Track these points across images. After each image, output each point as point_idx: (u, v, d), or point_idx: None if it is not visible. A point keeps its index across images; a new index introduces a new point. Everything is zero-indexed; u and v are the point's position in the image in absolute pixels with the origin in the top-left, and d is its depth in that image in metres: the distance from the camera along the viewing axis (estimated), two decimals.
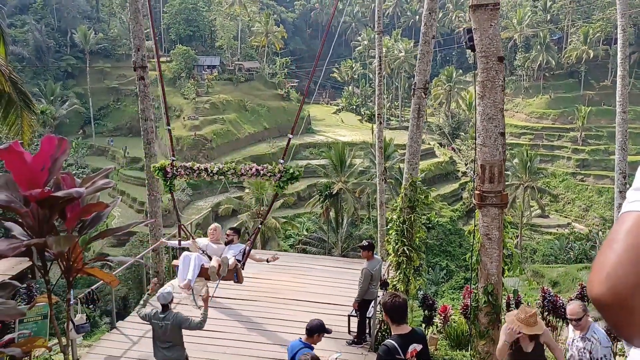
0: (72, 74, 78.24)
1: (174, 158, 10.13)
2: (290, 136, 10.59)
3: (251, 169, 9.79)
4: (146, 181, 14.06)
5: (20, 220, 2.82)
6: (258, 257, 10.76)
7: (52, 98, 66.58)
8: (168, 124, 10.94)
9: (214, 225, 10.72)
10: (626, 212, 1.14)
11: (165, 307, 7.36)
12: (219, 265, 9.37)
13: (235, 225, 10.70)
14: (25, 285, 8.63)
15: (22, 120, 11.73)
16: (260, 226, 11.12)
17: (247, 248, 9.89)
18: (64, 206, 2.85)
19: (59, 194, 2.71)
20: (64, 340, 3.43)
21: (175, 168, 9.90)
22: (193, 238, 10.50)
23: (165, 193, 10.87)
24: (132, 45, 13.42)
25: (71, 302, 8.79)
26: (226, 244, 10.16)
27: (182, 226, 10.52)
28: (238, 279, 9.75)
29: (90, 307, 9.82)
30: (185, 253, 9.83)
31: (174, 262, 10.31)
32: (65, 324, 3.30)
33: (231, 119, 66.32)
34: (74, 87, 75.39)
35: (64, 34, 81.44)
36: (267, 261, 10.34)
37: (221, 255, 9.78)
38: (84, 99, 71.38)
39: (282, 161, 9.80)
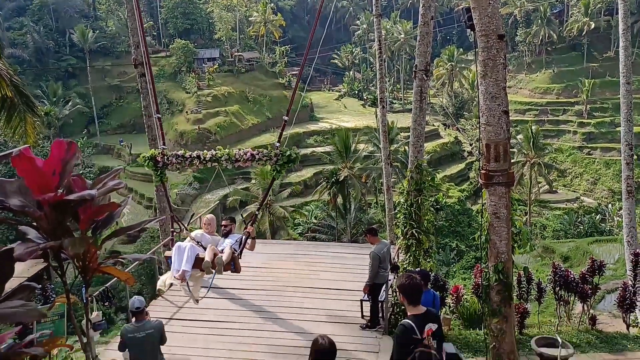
0: (73, 74, 78.33)
1: (164, 147, 9.80)
2: (285, 118, 10.25)
3: (246, 154, 9.52)
4: (153, 177, 14.15)
5: (34, 224, 2.88)
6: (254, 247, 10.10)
7: (54, 99, 66.76)
8: (157, 112, 10.43)
9: (209, 216, 10.28)
10: None
11: (140, 316, 7.01)
12: (214, 260, 8.93)
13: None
14: (40, 286, 8.76)
15: (26, 123, 11.81)
16: (257, 212, 10.55)
17: (244, 237, 9.47)
18: (76, 208, 2.91)
19: (72, 197, 2.75)
20: (84, 338, 3.51)
21: (165, 157, 9.61)
22: (186, 229, 10.13)
23: (155, 182, 10.56)
24: (132, 42, 13.44)
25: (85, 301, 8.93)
26: (224, 235, 9.80)
27: (175, 216, 10.13)
28: (235, 269, 9.33)
29: (105, 304, 9.93)
30: (178, 243, 9.42)
31: (167, 253, 9.86)
32: (84, 322, 3.37)
33: (234, 110, 66.32)
34: (76, 87, 75.50)
35: (63, 34, 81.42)
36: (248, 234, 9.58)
37: (217, 245, 9.46)
38: (87, 98, 71.47)
39: (277, 144, 9.56)
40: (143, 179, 53.14)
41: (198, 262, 9.06)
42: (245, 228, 9.69)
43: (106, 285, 10.08)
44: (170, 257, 9.25)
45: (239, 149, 9.80)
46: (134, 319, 7.02)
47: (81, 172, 50.55)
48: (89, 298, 9.08)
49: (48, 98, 66.56)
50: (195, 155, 9.58)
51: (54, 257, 2.98)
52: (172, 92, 70.27)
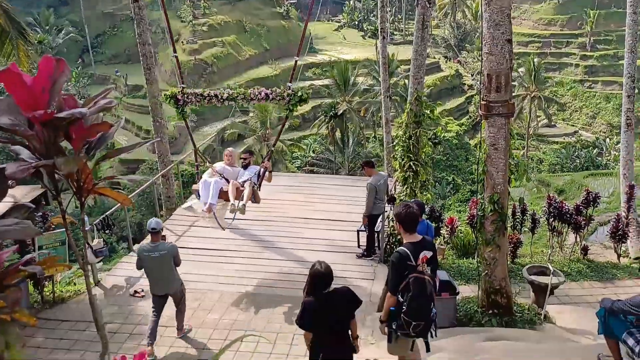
0: (65, 1, 75.75)
1: (183, 85, 10.24)
2: (297, 58, 10.48)
3: (260, 93, 9.96)
4: (150, 108, 14.02)
5: (26, 143, 2.84)
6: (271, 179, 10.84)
7: (47, 27, 64.91)
8: (174, 51, 10.86)
9: (229, 149, 11.01)
10: None
11: (156, 237, 7.31)
12: (236, 194, 9.68)
13: (242, 149, 10.88)
14: (41, 213, 8.86)
15: (19, 50, 11.56)
16: (272, 149, 11.42)
17: (262, 170, 10.18)
18: (68, 127, 2.86)
19: (62, 114, 2.70)
20: (82, 260, 3.56)
21: (185, 95, 10.03)
22: (209, 162, 10.95)
23: (177, 119, 10.96)
24: None
25: (87, 228, 9.07)
26: (244, 167, 10.39)
27: (197, 150, 11.11)
28: (255, 200, 10.00)
29: (106, 232, 10.09)
30: (204, 179, 10.08)
31: (194, 186, 10.77)
32: (83, 245, 3.42)
33: (230, 41, 64.70)
34: (68, 14, 73.16)
35: None
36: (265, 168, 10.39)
37: (237, 176, 10.12)
38: (80, 26, 69.47)
39: (290, 84, 9.93)
40: (140, 111, 52.50)
41: (222, 194, 9.90)
42: (263, 162, 10.55)
43: (106, 213, 10.21)
44: (198, 191, 10.09)
45: (254, 88, 10.25)
46: (149, 239, 7.39)
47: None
48: (89, 226, 9.22)
49: (40, 26, 64.68)
50: (213, 94, 10.08)
51: (48, 178, 2.97)
52: None
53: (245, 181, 9.95)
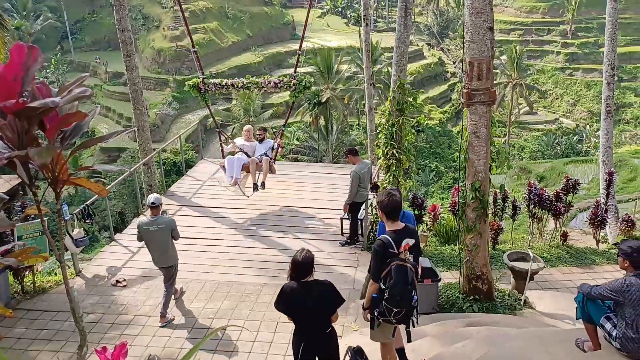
0: None
1: (203, 76, 11.88)
2: (300, 52, 12.27)
3: (270, 83, 11.69)
4: (130, 95, 13.82)
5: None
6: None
7: (24, 13, 63.50)
8: (193, 46, 12.11)
9: (248, 126, 12.73)
10: None
11: (155, 211, 7.64)
12: (255, 168, 11.57)
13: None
14: (19, 203, 8.72)
15: None
16: (283, 127, 13.17)
17: (275, 144, 11.97)
18: (42, 117, 2.79)
19: (35, 104, 2.63)
20: (58, 251, 3.50)
21: (206, 85, 11.65)
22: (232, 139, 12.70)
23: (201, 104, 12.90)
24: None
25: (67, 217, 8.95)
26: (259, 141, 11.95)
27: (221, 131, 12.82)
28: (271, 171, 11.69)
29: (87, 221, 9.99)
30: (228, 156, 11.77)
31: (220, 161, 12.67)
32: (61, 236, 3.37)
33: (212, 27, 63.93)
34: (47, 0, 71.66)
35: None
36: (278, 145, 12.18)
37: (254, 150, 11.82)
38: (58, 12, 68.04)
39: (295, 74, 11.47)
40: (121, 98, 51.84)
41: (244, 168, 11.62)
42: (275, 139, 12.26)
43: (87, 203, 10.09)
44: (224, 165, 11.69)
45: (264, 78, 12.08)
46: (149, 214, 7.77)
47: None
48: (69, 215, 9.10)
49: (18, 12, 63.26)
50: (230, 84, 11.72)
51: (22, 168, 2.90)
52: (148, 7, 67.19)
53: (262, 155, 11.61)
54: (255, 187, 11.56)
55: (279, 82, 11.58)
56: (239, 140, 12.26)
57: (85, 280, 9.05)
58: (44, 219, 3.36)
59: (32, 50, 2.65)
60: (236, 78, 11.90)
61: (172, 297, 8.01)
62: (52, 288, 8.86)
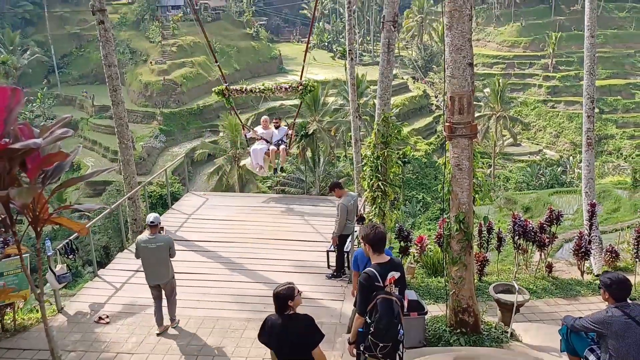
0: (31, 20, 74.52)
1: (227, 84, 14.32)
2: (304, 64, 14.56)
3: (280, 88, 14.18)
4: (116, 129, 13.85)
5: None
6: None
7: (11, 48, 63.70)
8: (216, 61, 15.90)
9: (265, 117, 15.53)
10: None
11: (154, 230, 7.90)
12: (274, 155, 14.26)
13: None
14: (1, 239, 8.59)
15: None
16: (294, 122, 16.20)
17: (290, 131, 14.73)
18: (23, 157, 2.81)
19: (17, 145, 2.65)
20: (38, 290, 3.47)
21: (230, 91, 14.15)
22: (254, 130, 15.00)
23: (226, 106, 15.72)
24: None
25: (50, 253, 8.84)
26: (276, 127, 14.54)
27: (245, 125, 15.79)
28: (288, 154, 14.65)
29: (70, 257, 9.85)
30: (252, 147, 14.46)
31: (248, 149, 15.30)
32: (41, 273, 3.33)
33: (200, 61, 64.59)
34: (34, 35, 72.02)
35: None
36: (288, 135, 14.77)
37: (271, 136, 14.43)
38: (46, 47, 68.31)
39: (301, 81, 13.91)
40: (107, 132, 51.71)
41: (265, 155, 14.24)
42: (289, 129, 14.82)
43: (70, 237, 9.97)
44: (250, 153, 14.54)
45: (276, 84, 14.54)
46: (148, 232, 8.06)
47: (42, 124, 48.87)
48: (52, 251, 8.99)
49: (4, 46, 63.46)
50: (249, 89, 14.45)
51: (3, 207, 2.89)
52: (136, 41, 67.86)
53: (279, 141, 14.26)
54: (275, 170, 14.74)
55: (288, 87, 14.05)
56: (259, 129, 14.79)
57: (67, 317, 8.88)
58: (26, 256, 3.34)
59: (15, 93, 2.69)
60: (254, 84, 14.52)
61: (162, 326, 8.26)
62: (33, 325, 8.67)
